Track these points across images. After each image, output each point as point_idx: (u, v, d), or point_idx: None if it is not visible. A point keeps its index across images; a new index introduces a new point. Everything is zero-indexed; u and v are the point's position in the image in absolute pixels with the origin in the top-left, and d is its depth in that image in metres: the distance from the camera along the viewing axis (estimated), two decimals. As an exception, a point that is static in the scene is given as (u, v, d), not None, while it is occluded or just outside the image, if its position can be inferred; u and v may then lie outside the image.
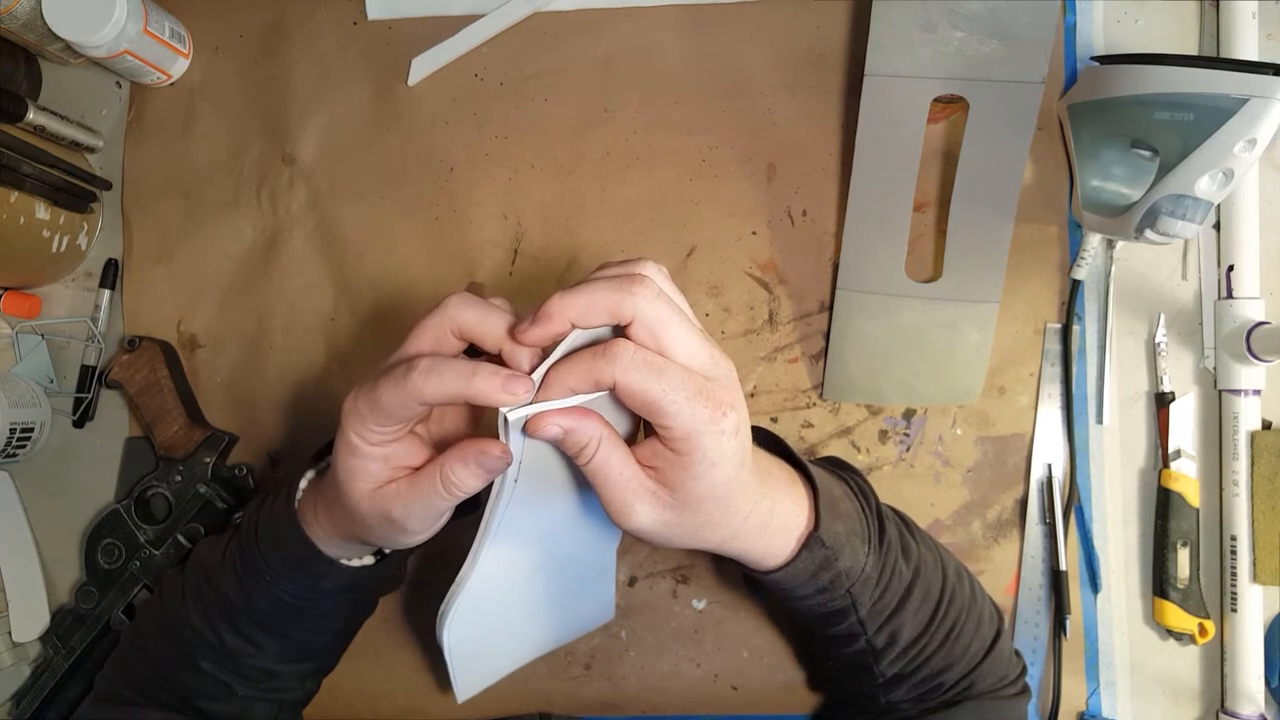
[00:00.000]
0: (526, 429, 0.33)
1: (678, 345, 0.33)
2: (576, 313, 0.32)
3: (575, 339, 0.33)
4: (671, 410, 0.32)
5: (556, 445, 0.34)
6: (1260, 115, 0.42)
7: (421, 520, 0.37)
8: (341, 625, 0.47)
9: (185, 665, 0.44)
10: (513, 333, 0.33)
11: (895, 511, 0.47)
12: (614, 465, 0.34)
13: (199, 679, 0.44)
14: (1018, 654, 0.48)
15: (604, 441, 0.34)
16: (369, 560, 0.44)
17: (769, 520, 0.38)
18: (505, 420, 0.33)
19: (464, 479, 0.35)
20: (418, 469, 0.36)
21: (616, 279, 0.32)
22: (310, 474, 0.44)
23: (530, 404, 0.33)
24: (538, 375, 0.33)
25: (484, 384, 0.32)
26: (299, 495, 0.43)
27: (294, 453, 0.57)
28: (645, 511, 0.35)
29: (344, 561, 0.42)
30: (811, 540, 0.38)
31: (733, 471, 0.34)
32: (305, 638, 0.45)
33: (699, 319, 0.55)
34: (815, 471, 0.41)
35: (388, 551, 0.45)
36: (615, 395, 0.33)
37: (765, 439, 0.43)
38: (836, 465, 0.48)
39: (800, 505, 0.39)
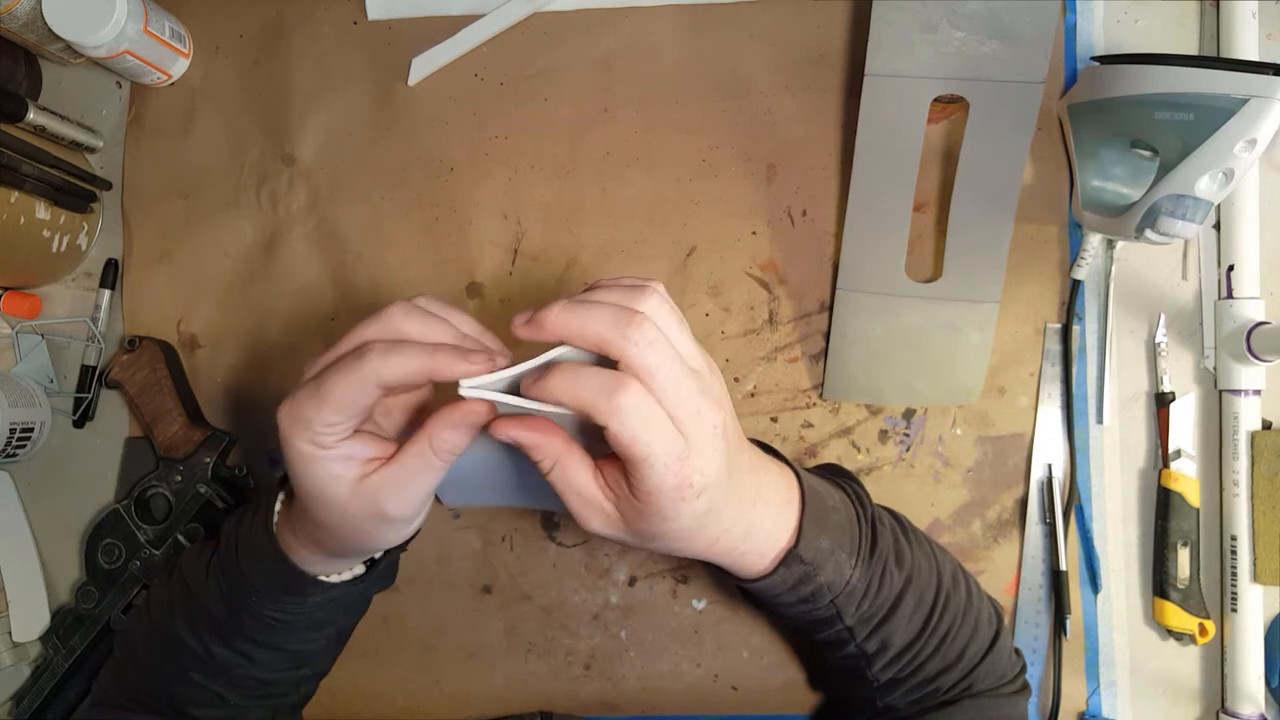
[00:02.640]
0: (491, 430, 0.33)
1: (663, 397, 0.32)
2: (568, 334, 0.32)
3: (560, 352, 0.33)
4: (645, 472, 0.32)
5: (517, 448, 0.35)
6: (1260, 115, 0.42)
7: (415, 502, 0.36)
8: (333, 631, 0.47)
9: (176, 676, 0.44)
10: (513, 325, 0.34)
11: (893, 515, 0.46)
12: (571, 483, 0.34)
13: (190, 689, 0.44)
14: (1017, 652, 0.48)
15: (560, 459, 0.34)
16: (359, 569, 0.44)
17: (739, 544, 0.38)
18: (462, 395, 0.33)
19: (455, 440, 0.34)
20: (391, 457, 0.36)
21: (617, 312, 0.32)
22: (282, 496, 0.42)
23: (492, 380, 0.33)
24: (501, 375, 0.33)
25: (447, 357, 0.32)
26: (275, 515, 0.42)
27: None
28: (599, 527, 0.35)
29: (331, 578, 0.42)
30: (789, 557, 0.38)
31: (688, 523, 0.34)
32: (297, 646, 0.45)
33: (699, 319, 0.56)
34: (808, 484, 0.40)
35: (378, 557, 0.44)
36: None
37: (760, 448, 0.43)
38: (836, 473, 0.48)
39: (786, 526, 0.39)
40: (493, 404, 0.34)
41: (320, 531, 0.38)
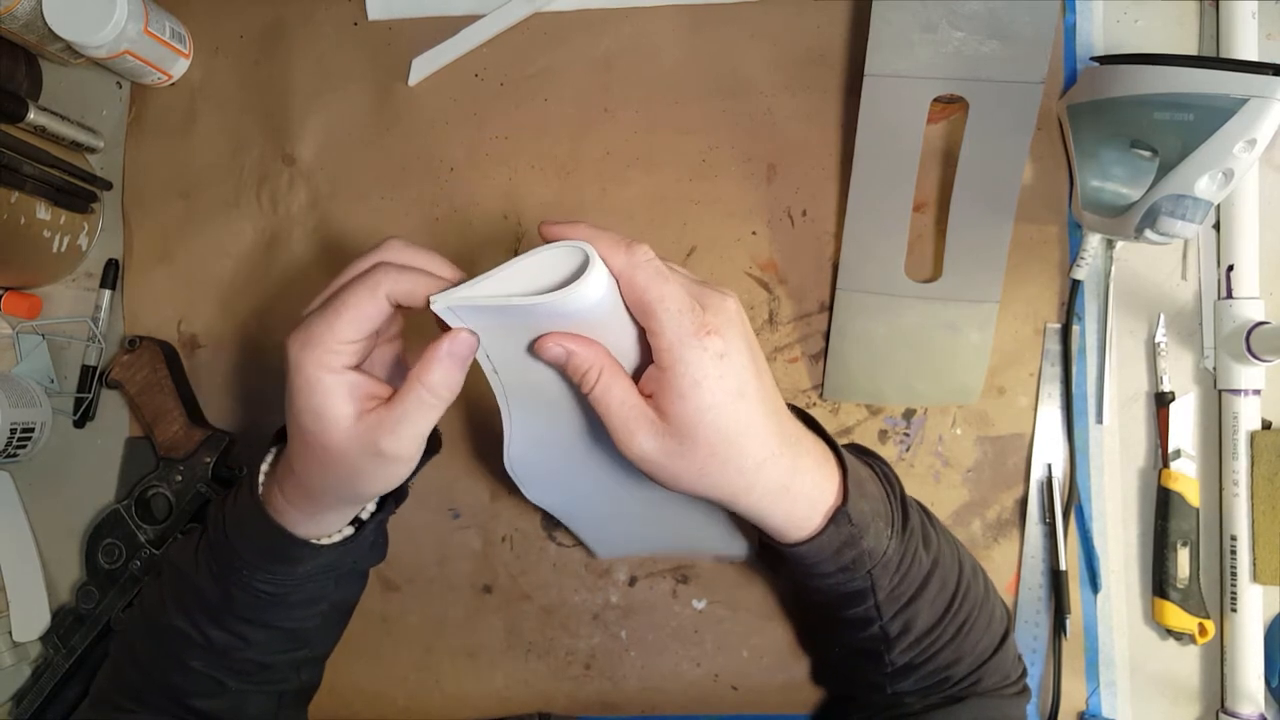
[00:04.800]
0: (535, 350, 0.36)
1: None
2: (580, 239, 0.34)
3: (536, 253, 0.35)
4: (661, 316, 0.34)
5: (560, 370, 0.36)
6: (1260, 115, 0.42)
7: (410, 441, 0.37)
8: (327, 606, 0.46)
9: (174, 666, 0.44)
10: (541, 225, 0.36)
11: (917, 502, 0.47)
12: (615, 393, 0.36)
13: (189, 678, 0.44)
14: (1018, 656, 0.48)
15: (605, 370, 0.36)
16: (349, 531, 0.43)
17: (789, 481, 0.38)
18: (438, 310, 0.35)
19: (446, 375, 0.36)
20: (388, 399, 0.37)
21: (622, 240, 0.35)
22: (269, 458, 0.43)
23: (460, 295, 0.35)
24: (471, 284, 0.35)
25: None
26: (261, 481, 0.42)
27: (294, 453, 0.57)
28: (645, 439, 0.36)
29: (318, 541, 0.42)
30: (838, 515, 0.38)
31: (721, 397, 0.35)
32: (292, 625, 0.45)
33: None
34: (843, 451, 0.41)
35: (365, 518, 0.44)
36: (621, 289, 0.35)
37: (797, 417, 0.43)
38: (861, 452, 0.48)
39: (829, 480, 0.39)
40: (475, 335, 0.36)
41: (312, 473, 0.38)
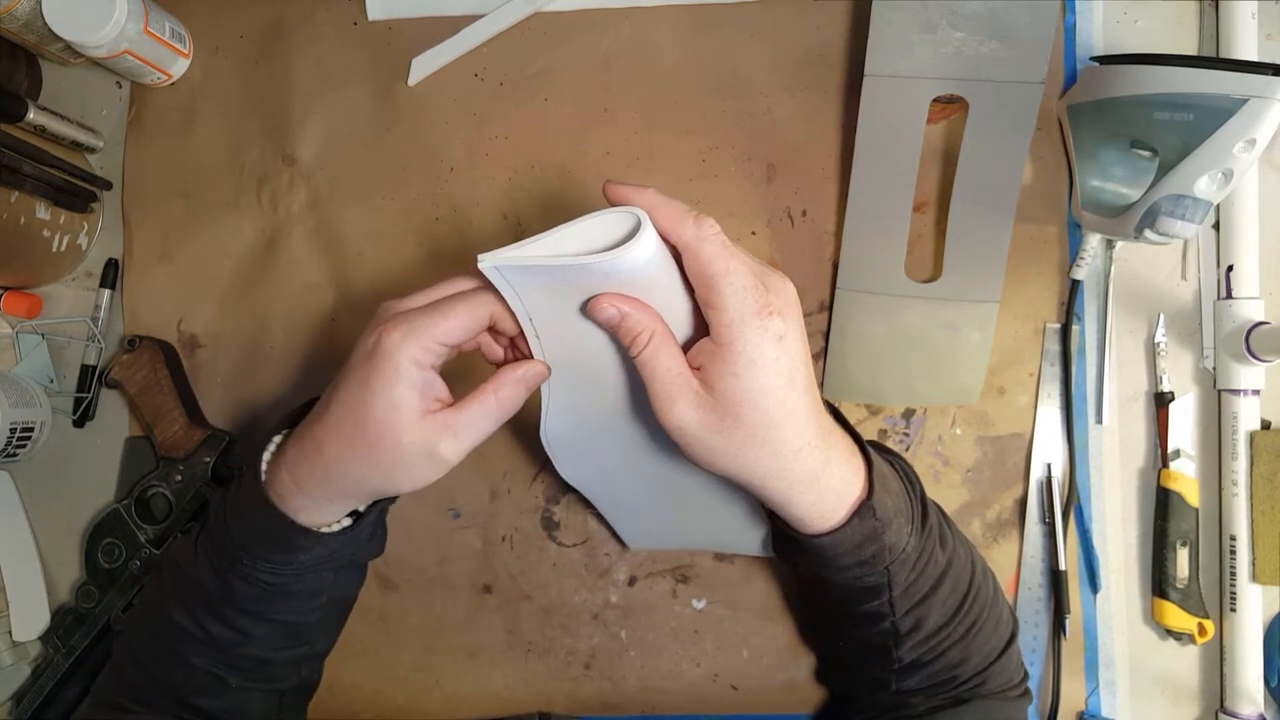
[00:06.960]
0: (589, 309, 0.36)
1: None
2: (646, 205, 0.35)
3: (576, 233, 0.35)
4: (726, 291, 0.34)
5: (611, 331, 0.36)
6: (1260, 115, 0.42)
7: (465, 448, 0.39)
8: (326, 600, 0.46)
9: (176, 663, 0.44)
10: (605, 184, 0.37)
11: (935, 503, 0.47)
12: (663, 359, 0.36)
13: (191, 675, 0.44)
14: (1021, 660, 0.48)
15: (657, 335, 0.36)
16: (347, 521, 0.43)
17: (820, 473, 0.38)
18: (484, 269, 0.35)
19: (515, 394, 0.39)
20: (452, 404, 0.38)
21: (690, 211, 0.35)
22: (272, 446, 0.43)
23: (510, 255, 0.35)
24: (523, 246, 0.35)
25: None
26: (264, 469, 0.42)
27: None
28: (686, 409, 0.36)
29: (320, 529, 0.42)
30: (863, 508, 0.38)
31: (773, 380, 0.35)
32: (292, 618, 0.45)
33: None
34: (868, 446, 0.41)
35: (362, 510, 0.44)
36: (683, 260, 0.35)
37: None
38: (882, 450, 0.48)
39: (855, 474, 0.39)
40: (548, 368, 0.39)
41: (349, 459, 0.39)
